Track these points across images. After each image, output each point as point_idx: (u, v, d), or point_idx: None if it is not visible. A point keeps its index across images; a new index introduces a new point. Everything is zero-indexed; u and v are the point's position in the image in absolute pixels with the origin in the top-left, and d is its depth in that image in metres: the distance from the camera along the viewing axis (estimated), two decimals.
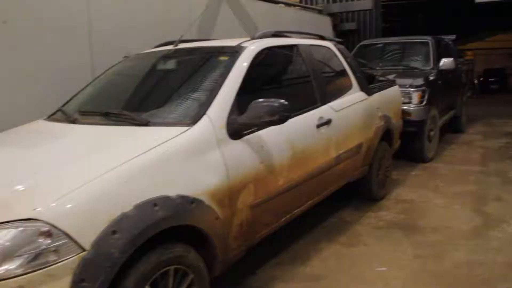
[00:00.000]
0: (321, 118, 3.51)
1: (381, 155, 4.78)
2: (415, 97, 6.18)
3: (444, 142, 8.14)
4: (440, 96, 7.11)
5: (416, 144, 6.45)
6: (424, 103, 6.25)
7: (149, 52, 3.71)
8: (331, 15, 10.58)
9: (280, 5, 8.28)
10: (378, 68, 7.43)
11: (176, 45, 3.60)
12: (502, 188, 5.26)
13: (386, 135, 4.85)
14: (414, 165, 6.47)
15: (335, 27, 11.22)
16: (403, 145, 5.85)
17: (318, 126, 3.45)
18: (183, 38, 3.80)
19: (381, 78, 5.51)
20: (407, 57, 7.77)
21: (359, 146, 4.16)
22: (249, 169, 2.74)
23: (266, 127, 2.78)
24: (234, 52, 3.09)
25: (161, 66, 3.40)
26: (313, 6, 10.42)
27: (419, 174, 6.00)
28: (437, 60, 7.24)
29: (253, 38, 3.39)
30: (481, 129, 9.79)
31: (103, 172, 2.09)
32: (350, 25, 11.59)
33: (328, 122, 3.57)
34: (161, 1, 5.29)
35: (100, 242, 1.93)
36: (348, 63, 4.31)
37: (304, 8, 9.84)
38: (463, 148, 7.75)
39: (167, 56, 3.45)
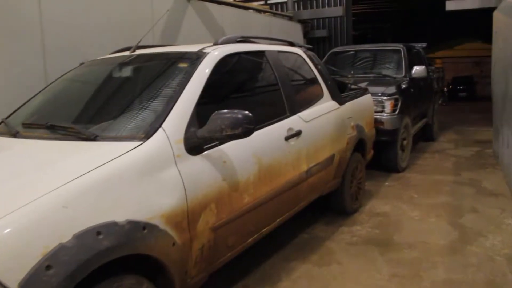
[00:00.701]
0: (290, 129, 3.28)
1: (354, 167, 4.58)
2: (388, 105, 6.02)
3: (417, 151, 8.04)
4: (413, 104, 6.99)
5: (389, 154, 6.29)
6: (397, 112, 6.10)
7: (104, 59, 3.41)
8: (302, 22, 10.43)
9: (249, 11, 8.05)
10: (349, 76, 7.28)
11: (133, 51, 3.32)
12: (476, 199, 5.12)
13: (359, 145, 4.66)
14: (387, 175, 6.31)
15: (306, 34, 11.09)
16: (375, 155, 5.68)
17: (287, 138, 3.22)
18: (143, 43, 3.53)
19: (353, 86, 5.32)
20: (379, 64, 7.64)
21: (331, 158, 3.95)
22: (210, 188, 2.47)
23: (228, 141, 2.53)
24: (195, 59, 2.83)
25: (115, 74, 3.10)
26: (283, 13, 10.25)
27: (393, 185, 5.83)
28: (409, 68, 7.13)
29: (216, 44, 3.14)
30: (453, 137, 9.76)
31: (38, 196, 1.80)
32: (321, 32, 11.50)
33: (298, 133, 3.34)
34: (122, 4, 4.99)
35: (31, 280, 1.64)
36: (319, 70, 4.10)
37: (274, 14, 9.65)
38: (435, 157, 7.66)
39: (122, 63, 3.16)
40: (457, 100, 22.13)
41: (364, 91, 5.12)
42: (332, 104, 4.10)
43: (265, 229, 3.13)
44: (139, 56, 3.18)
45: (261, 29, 7.78)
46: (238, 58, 3.17)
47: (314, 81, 4.02)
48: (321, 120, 3.78)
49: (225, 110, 2.42)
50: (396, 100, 6.10)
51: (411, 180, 6.08)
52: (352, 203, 4.62)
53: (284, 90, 3.41)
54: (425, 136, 9.06)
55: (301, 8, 11.20)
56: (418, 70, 7.02)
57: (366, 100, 5.03)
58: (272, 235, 3.55)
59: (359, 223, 4.46)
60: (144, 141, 2.27)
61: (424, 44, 9.28)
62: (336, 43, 11.41)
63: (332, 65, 7.90)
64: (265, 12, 9.03)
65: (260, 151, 2.90)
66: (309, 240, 4.08)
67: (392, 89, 6.25)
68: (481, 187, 5.62)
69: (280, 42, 4.07)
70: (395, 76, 7.07)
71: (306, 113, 3.58)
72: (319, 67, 4.14)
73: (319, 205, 4.42)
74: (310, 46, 4.31)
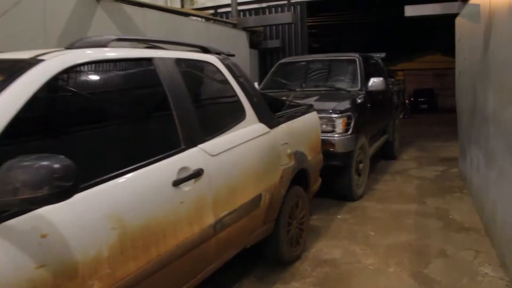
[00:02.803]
0: (183, 169, 2.29)
1: (293, 205, 3.64)
2: (339, 124, 5.11)
3: (376, 172, 7.20)
4: (370, 121, 6.14)
5: (342, 180, 5.37)
6: (350, 131, 5.20)
7: None
8: (249, 30, 9.47)
9: (180, 16, 6.94)
10: (298, 89, 6.39)
11: None
12: (445, 236, 4.25)
13: (299, 177, 3.72)
14: (340, 204, 5.38)
15: (257, 44, 10.20)
16: (327, 181, 4.79)
17: (178, 182, 2.23)
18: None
19: (292, 103, 4.39)
20: (333, 76, 6.77)
21: (257, 199, 2.99)
22: (8, 285, 1.46)
23: (28, 207, 1.52)
24: (17, 70, 1.81)
25: None
26: (226, 20, 9.24)
27: (346, 219, 4.90)
28: (366, 80, 6.29)
29: (72, 47, 2.15)
30: (415, 154, 9.00)
31: None
32: (274, 43, 10.62)
33: (196, 174, 2.36)
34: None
35: None
36: (240, 84, 3.14)
37: (214, 21, 8.62)
38: (397, 179, 6.81)
39: None
40: (418, 113, 21.75)
41: (307, 109, 4.20)
42: (259, 127, 3.15)
43: None
44: None
45: (196, 37, 6.78)
46: (102, 68, 2.17)
47: (232, 98, 3.05)
48: (239, 151, 2.81)
49: (25, 157, 1.41)
50: (349, 117, 5.20)
51: (368, 211, 5.18)
52: (291, 250, 3.66)
53: (179, 113, 2.42)
54: (385, 154, 8.25)
55: (247, 14, 10.29)
56: (375, 82, 6.19)
57: (309, 119, 4.11)
58: None
59: (300, 277, 3.49)
60: None
61: (383, 54, 8.52)
62: (290, 54, 10.55)
63: (281, 77, 7.03)
64: (200, 17, 8.01)
65: (124, 209, 1.90)
66: None
67: (344, 105, 5.36)
68: (450, 219, 4.76)
69: (189, 47, 3.10)
70: (349, 89, 6.21)
71: (213, 143, 2.60)
72: (241, 79, 3.18)
73: (250, 252, 3.44)
74: (229, 53, 3.34)
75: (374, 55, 8.06)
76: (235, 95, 3.06)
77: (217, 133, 2.69)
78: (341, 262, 3.76)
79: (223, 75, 3.03)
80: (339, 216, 4.98)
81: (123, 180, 1.93)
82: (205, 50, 3.17)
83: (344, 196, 5.49)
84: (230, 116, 2.97)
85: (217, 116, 2.91)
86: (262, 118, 3.21)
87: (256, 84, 6.85)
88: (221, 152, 2.60)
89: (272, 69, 7.29)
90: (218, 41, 7.23)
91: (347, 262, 3.76)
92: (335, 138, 5.08)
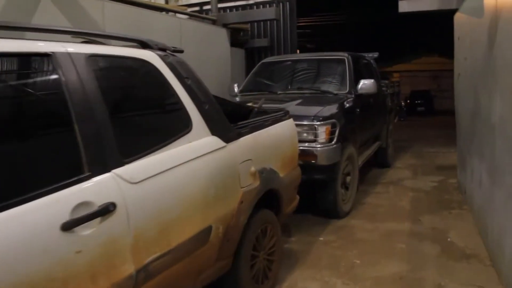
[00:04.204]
0: (82, 206, 1.65)
1: (258, 233, 3.00)
2: (322, 132, 4.47)
3: (368, 182, 6.58)
4: (359, 128, 5.53)
5: (326, 196, 4.73)
6: (335, 141, 4.56)
7: None
8: (237, 29, 8.83)
9: (149, 10, 6.19)
10: (280, 92, 5.77)
11: None
12: (442, 267, 3.62)
13: (268, 198, 3.09)
14: (324, 223, 4.74)
15: (244, 44, 9.57)
16: (310, 196, 4.18)
17: (69, 225, 1.59)
18: None
19: (262, 110, 3.75)
20: (319, 78, 6.15)
21: (205, 233, 2.35)
22: None
23: None
24: None
25: None
26: (203, 15, 8.51)
27: (329, 241, 4.27)
28: (355, 82, 5.66)
29: None
30: (411, 162, 8.39)
31: None
32: (261, 42, 9.98)
33: (103, 211, 1.71)
34: None
35: None
36: (187, 87, 2.49)
37: (190, 16, 7.91)
38: (389, 190, 6.18)
39: None
40: (415, 115, 21.16)
41: (281, 116, 3.56)
42: (210, 142, 2.51)
43: None
44: None
45: (167, 33, 6.11)
46: None
47: (174, 105, 2.41)
48: (177, 174, 2.17)
49: None
50: (333, 125, 4.57)
51: (355, 231, 4.54)
52: (257, 287, 3.02)
53: (84, 127, 1.77)
54: (378, 161, 7.64)
55: (228, 10, 9.62)
56: (366, 84, 5.57)
57: (283, 128, 3.48)
58: None
59: None
60: None
61: (376, 54, 7.88)
62: (279, 54, 9.91)
63: (263, 78, 6.41)
64: (176, 12, 7.32)
65: None
66: None
67: (329, 110, 4.74)
68: (448, 243, 4.13)
69: (123, 41, 2.47)
70: (336, 92, 5.58)
71: (136, 167, 1.96)
72: (188, 81, 2.53)
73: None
74: (177, 49, 2.69)
75: (366, 55, 7.44)
76: (178, 101, 2.41)
77: (145, 151, 2.05)
78: None
79: (163, 75, 2.38)
80: (321, 238, 4.34)
81: None
82: (143, 44, 2.53)
83: (329, 213, 4.86)
84: (169, 128, 2.33)
85: (148, 130, 2.26)
86: (215, 130, 2.57)
87: (235, 86, 6.23)
88: (147, 178, 1.96)
89: (254, 69, 6.66)
90: (194, 38, 6.59)
91: None
92: (318, 148, 4.44)
